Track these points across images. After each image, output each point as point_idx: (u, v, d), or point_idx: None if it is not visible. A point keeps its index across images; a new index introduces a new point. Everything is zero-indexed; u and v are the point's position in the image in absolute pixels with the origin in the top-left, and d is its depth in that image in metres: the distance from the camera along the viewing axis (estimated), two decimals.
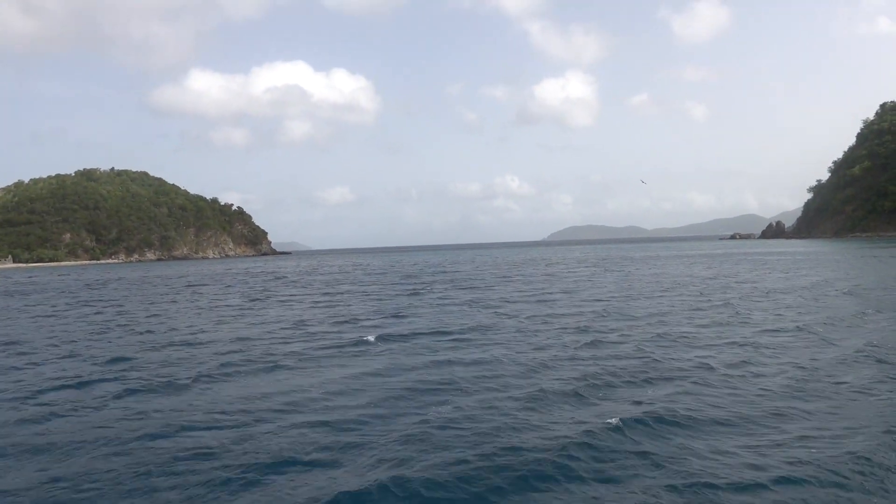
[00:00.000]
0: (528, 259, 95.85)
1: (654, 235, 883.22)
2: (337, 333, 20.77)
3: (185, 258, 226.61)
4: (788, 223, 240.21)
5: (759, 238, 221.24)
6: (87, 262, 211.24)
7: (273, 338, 20.45)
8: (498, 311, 26.05)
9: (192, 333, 22.50)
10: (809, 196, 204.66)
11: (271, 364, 15.77)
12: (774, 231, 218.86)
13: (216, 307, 33.50)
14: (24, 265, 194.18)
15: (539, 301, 30.27)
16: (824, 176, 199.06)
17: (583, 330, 19.80)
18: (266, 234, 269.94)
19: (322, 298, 36.51)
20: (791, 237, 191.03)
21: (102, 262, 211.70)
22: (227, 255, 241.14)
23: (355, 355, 16.57)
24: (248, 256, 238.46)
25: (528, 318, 23.29)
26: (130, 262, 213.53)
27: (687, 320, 21.69)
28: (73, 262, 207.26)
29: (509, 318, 23.20)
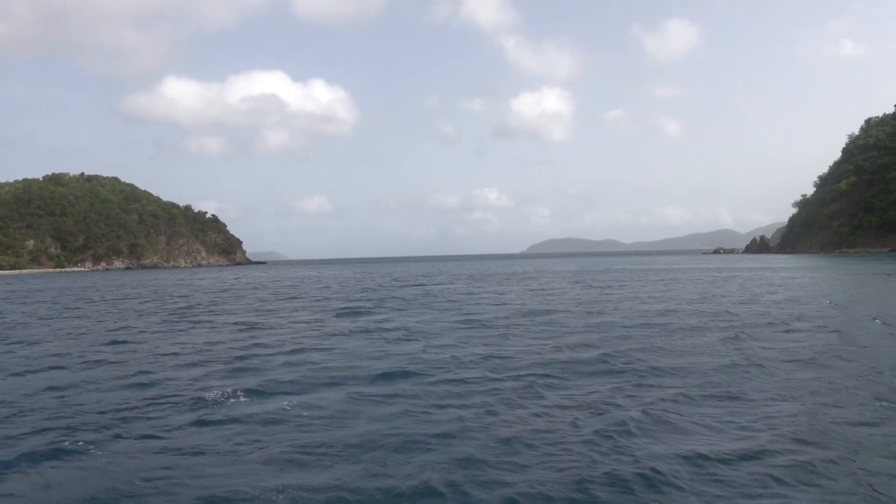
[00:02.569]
0: (511, 273, 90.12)
1: (633, 249, 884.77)
2: (189, 382, 14.76)
3: (154, 267, 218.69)
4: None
5: (742, 252, 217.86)
6: (51, 269, 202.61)
7: (99, 386, 14.40)
8: (437, 345, 20.13)
9: None
10: (794, 210, 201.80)
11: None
12: (758, 246, 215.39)
13: (92, 331, 27.32)
14: None
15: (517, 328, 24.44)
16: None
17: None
18: (241, 242, 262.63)
19: (248, 319, 30.46)
20: (776, 252, 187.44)
21: (67, 270, 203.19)
22: (200, 265, 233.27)
23: (146, 436, 10.49)
24: (221, 266, 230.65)
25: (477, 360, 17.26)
26: (97, 270, 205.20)
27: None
28: (35, 270, 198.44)
29: (444, 359, 17.30)
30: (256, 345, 20.61)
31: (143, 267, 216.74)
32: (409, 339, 21.21)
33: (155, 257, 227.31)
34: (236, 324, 27.80)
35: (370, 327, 25.24)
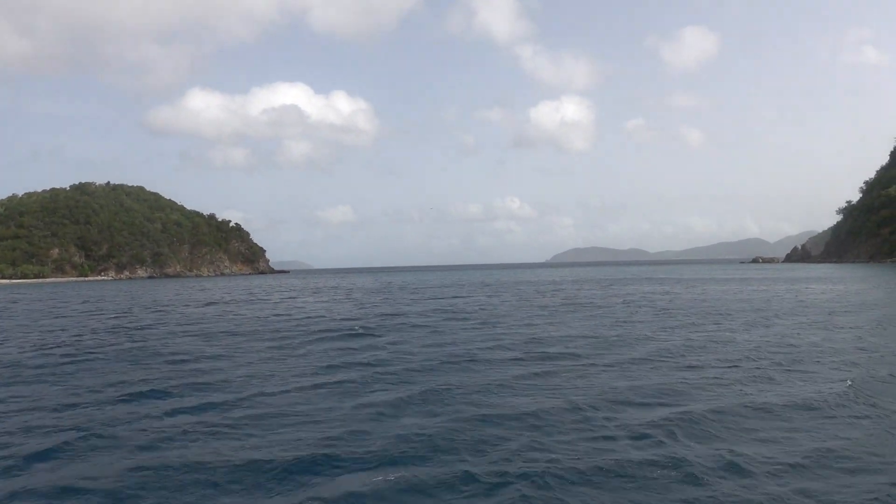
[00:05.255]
0: (550, 281, 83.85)
1: (659, 259, 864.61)
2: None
3: (177, 276, 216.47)
4: (791, 249, 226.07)
5: (783, 262, 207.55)
6: (75, 278, 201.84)
7: None
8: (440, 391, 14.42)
9: None
10: (832, 218, 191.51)
11: None
12: (800, 255, 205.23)
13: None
14: (6, 281, 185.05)
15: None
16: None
17: None
18: (264, 251, 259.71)
19: (205, 350, 25.11)
20: (820, 261, 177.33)
21: (90, 279, 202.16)
22: (223, 273, 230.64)
23: None
24: (244, 275, 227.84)
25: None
26: (120, 279, 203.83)
27: None
28: (59, 279, 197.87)
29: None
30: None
31: (166, 276, 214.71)
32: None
33: (178, 266, 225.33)
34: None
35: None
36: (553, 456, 9.35)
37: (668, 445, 9.72)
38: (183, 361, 18.91)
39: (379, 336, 24.40)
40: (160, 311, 42.67)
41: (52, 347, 23.06)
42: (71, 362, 19.14)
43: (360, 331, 26.13)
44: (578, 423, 11.09)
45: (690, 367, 16.17)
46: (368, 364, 17.68)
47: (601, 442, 10.02)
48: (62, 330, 30.02)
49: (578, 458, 9.26)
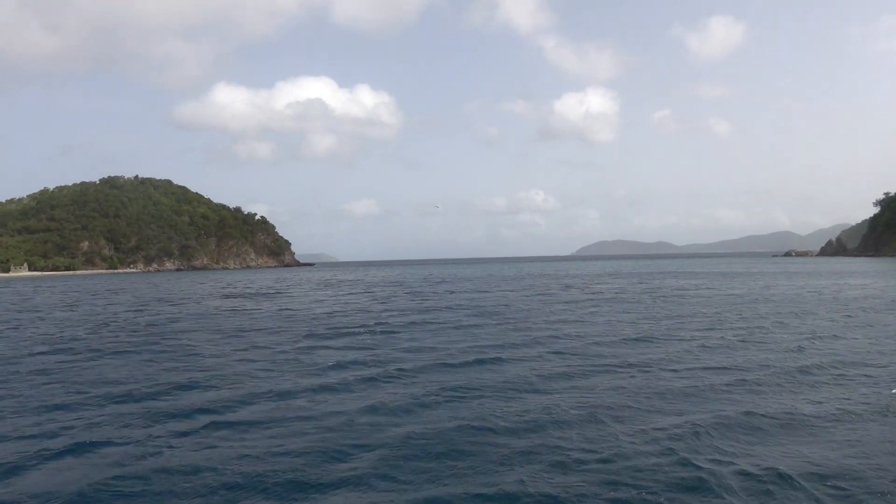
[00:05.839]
0: (578, 275, 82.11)
1: (687, 252, 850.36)
2: None
3: (204, 268, 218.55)
4: (824, 242, 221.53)
5: (817, 255, 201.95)
6: (104, 271, 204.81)
7: None
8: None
9: None
10: (866, 211, 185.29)
11: None
12: (835, 248, 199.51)
13: None
14: (38, 273, 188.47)
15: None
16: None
17: None
18: (289, 244, 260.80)
19: (209, 348, 24.12)
20: (857, 255, 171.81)
21: (120, 271, 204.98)
22: (249, 266, 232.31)
23: None
24: (270, 267, 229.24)
25: None
26: (148, 271, 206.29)
27: None
28: (89, 271, 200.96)
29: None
30: None
31: (194, 268, 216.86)
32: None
33: (205, 259, 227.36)
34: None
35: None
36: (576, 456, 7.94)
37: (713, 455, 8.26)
38: (184, 359, 17.87)
39: (396, 333, 23.15)
40: (177, 304, 42.04)
41: (55, 342, 22.26)
42: (74, 356, 18.22)
43: (378, 328, 24.92)
44: (601, 428, 9.66)
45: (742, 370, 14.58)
46: (379, 362, 16.42)
47: (622, 455, 8.59)
48: (70, 326, 29.34)
49: (603, 464, 7.86)
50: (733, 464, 8.34)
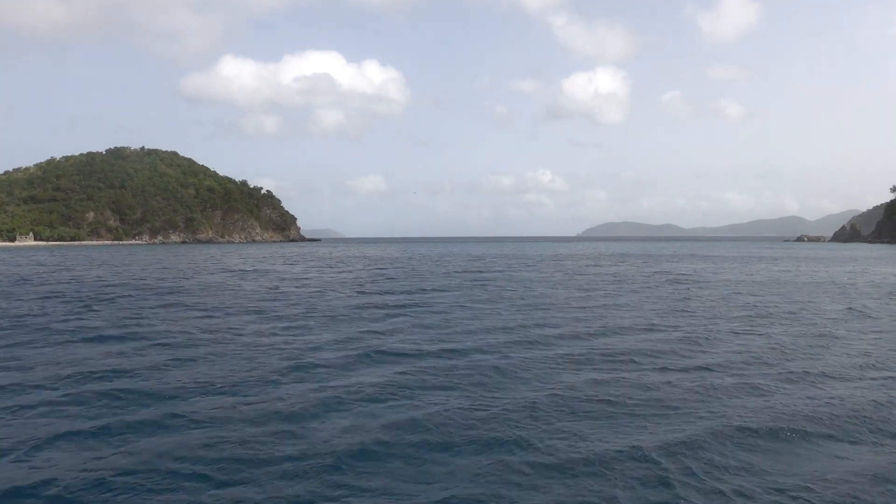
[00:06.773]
0: (584, 255, 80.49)
1: (694, 235, 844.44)
2: None
3: (209, 242, 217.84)
4: (834, 228, 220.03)
5: (830, 241, 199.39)
6: (110, 242, 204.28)
7: None
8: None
9: None
10: (878, 198, 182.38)
11: None
12: (849, 234, 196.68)
13: None
14: (43, 243, 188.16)
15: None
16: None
17: None
18: (295, 219, 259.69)
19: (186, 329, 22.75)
20: (872, 241, 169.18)
21: (125, 242, 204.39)
22: (254, 240, 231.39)
23: None
24: (275, 242, 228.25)
25: None
26: (153, 243, 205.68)
27: None
28: (94, 242, 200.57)
29: None
30: None
31: (199, 241, 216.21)
32: None
33: (210, 232, 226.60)
34: None
35: None
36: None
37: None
38: (152, 339, 16.51)
39: (396, 316, 21.74)
40: (170, 280, 40.79)
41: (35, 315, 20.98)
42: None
43: (378, 308, 23.52)
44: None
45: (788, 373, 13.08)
46: (368, 347, 15.02)
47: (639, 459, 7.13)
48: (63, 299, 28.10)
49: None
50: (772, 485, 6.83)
